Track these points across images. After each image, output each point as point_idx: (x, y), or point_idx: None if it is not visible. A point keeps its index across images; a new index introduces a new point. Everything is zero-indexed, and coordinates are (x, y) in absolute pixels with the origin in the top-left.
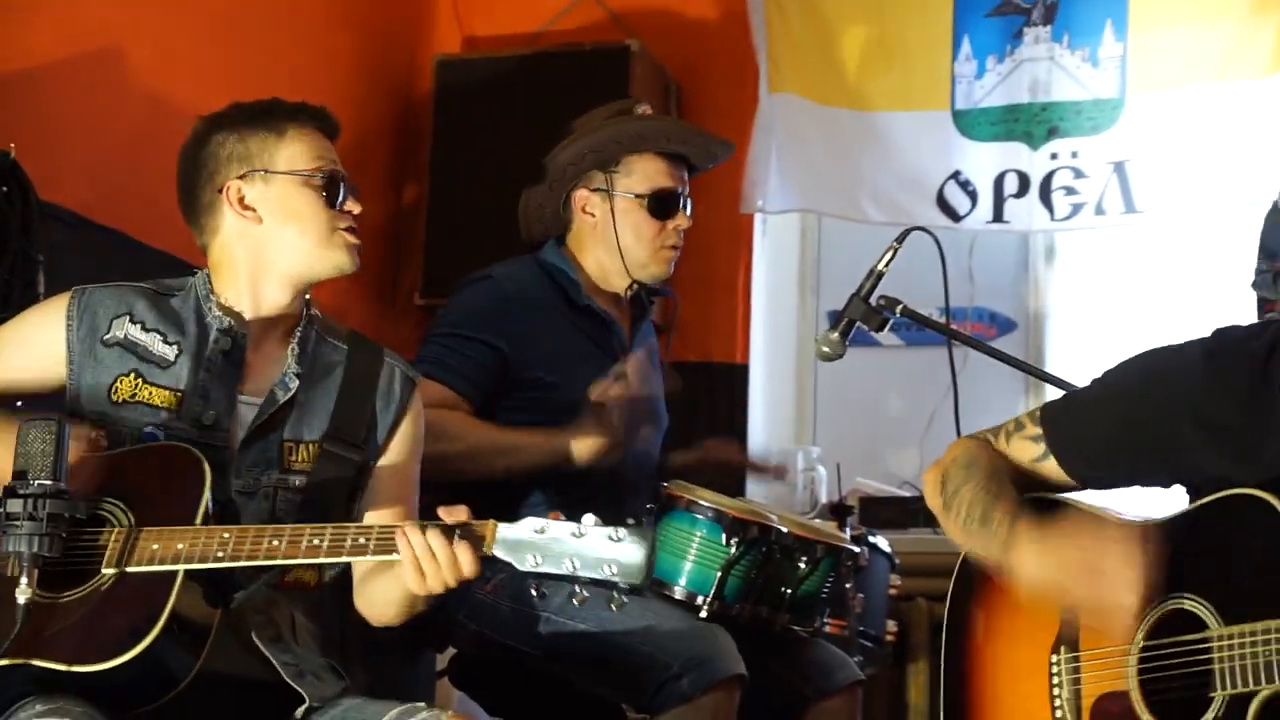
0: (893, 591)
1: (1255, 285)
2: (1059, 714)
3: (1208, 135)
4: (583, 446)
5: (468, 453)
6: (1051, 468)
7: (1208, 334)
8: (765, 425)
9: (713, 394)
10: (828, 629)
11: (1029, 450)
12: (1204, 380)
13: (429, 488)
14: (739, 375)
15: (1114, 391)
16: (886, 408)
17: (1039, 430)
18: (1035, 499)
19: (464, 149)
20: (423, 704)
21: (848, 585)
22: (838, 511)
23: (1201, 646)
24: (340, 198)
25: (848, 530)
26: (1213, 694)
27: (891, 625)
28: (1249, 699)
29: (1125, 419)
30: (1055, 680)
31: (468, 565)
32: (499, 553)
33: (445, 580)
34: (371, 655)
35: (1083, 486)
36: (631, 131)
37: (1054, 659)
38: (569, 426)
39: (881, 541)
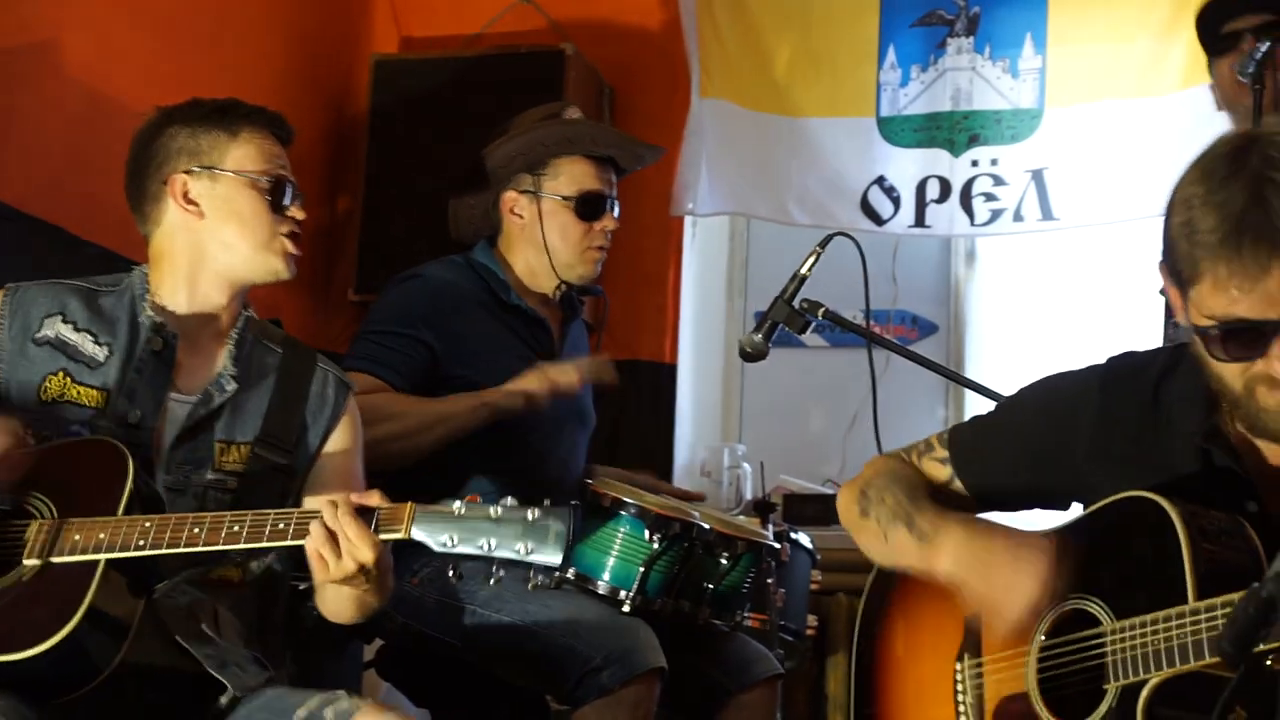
0: (814, 587)
1: (1162, 291)
2: (963, 718)
3: (1122, 146)
4: (507, 395)
5: (405, 430)
6: (959, 488)
7: (1104, 360)
8: (692, 423)
9: (641, 392)
10: (749, 623)
11: (938, 471)
12: (1099, 408)
13: (367, 475)
14: (667, 374)
15: (1015, 417)
16: (811, 407)
17: (946, 453)
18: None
19: (400, 147)
20: (342, 692)
21: (769, 580)
22: (761, 508)
23: (1095, 642)
24: (285, 202)
25: (770, 526)
26: (1106, 685)
27: (812, 620)
28: (1139, 688)
29: (1025, 444)
30: (960, 686)
31: (365, 550)
32: (416, 534)
33: (344, 566)
34: (299, 647)
35: (988, 508)
36: (559, 135)
37: (958, 666)
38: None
39: (803, 537)
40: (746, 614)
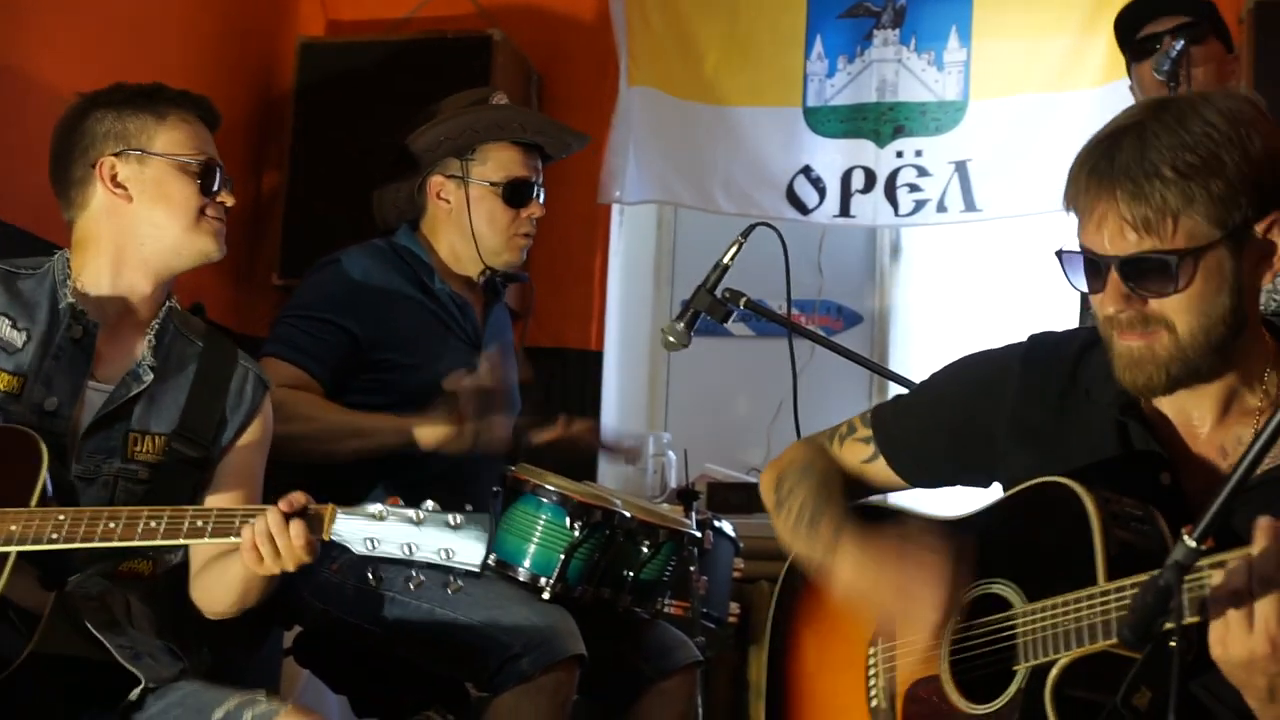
0: (736, 574)
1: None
2: (874, 702)
3: (1043, 140)
4: (429, 434)
5: (318, 434)
6: (881, 468)
7: (1025, 339)
8: (618, 411)
9: (567, 380)
10: (671, 610)
11: (860, 451)
12: (1019, 384)
13: (275, 468)
14: (593, 361)
15: (937, 396)
16: (736, 396)
17: (869, 432)
18: (863, 506)
19: (325, 131)
20: (262, 692)
21: (692, 568)
22: (685, 496)
23: (1006, 625)
24: (215, 187)
25: (694, 515)
26: (1016, 667)
27: (734, 607)
28: (1049, 668)
29: (947, 422)
30: (872, 671)
31: (303, 548)
32: (336, 537)
33: (283, 563)
34: (216, 633)
35: (910, 486)
36: (488, 120)
37: (871, 651)
38: (420, 412)
39: (726, 526)
40: (668, 601)
